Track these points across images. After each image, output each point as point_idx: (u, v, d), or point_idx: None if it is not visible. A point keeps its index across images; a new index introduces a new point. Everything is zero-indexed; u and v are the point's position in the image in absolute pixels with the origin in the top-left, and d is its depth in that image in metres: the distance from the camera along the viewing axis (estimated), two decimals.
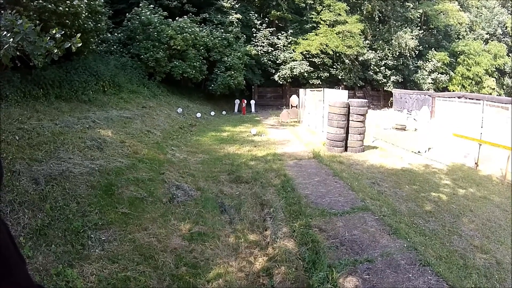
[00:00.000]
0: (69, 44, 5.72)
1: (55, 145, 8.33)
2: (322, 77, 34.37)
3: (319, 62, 33.91)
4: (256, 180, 9.74)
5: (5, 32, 5.00)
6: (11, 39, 4.95)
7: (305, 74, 33.31)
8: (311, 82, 33.38)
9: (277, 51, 34.04)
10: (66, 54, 11.61)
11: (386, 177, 10.74)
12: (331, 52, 33.73)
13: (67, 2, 11.76)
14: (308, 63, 33.46)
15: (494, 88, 39.36)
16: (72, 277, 4.61)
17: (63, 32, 5.88)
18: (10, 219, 5.37)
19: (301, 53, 33.40)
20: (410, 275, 5.33)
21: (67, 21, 11.87)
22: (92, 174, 7.57)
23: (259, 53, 32.84)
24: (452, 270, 5.69)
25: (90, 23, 14.17)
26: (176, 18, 26.14)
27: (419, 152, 14.82)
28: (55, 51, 5.56)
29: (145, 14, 24.28)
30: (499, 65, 39.84)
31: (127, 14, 25.11)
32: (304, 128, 20.83)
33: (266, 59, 33.38)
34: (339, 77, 35.26)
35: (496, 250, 6.75)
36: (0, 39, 4.96)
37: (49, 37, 5.55)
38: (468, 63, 38.84)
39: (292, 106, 25.55)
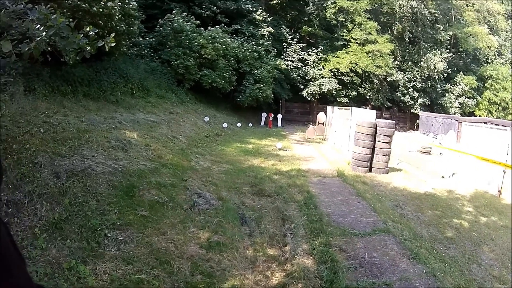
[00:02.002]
0: (103, 43, 5.73)
1: (80, 141, 8.38)
2: (350, 96, 34.26)
3: (348, 81, 33.84)
4: (279, 195, 9.64)
5: (38, 25, 5.02)
6: (44, 33, 4.97)
7: (333, 91, 33.27)
8: (338, 100, 33.30)
9: (306, 66, 34.09)
10: (97, 54, 11.71)
11: (409, 200, 10.58)
12: (360, 71, 33.69)
13: (101, 3, 11.89)
14: (336, 81, 33.44)
15: None
16: (84, 273, 4.59)
17: (97, 30, 5.89)
18: (27, 209, 5.38)
19: (331, 70, 33.42)
20: None
21: (100, 21, 11.99)
22: (114, 174, 7.58)
23: (289, 68, 32.95)
24: None
25: (122, 25, 14.31)
26: (208, 28, 26.35)
27: (443, 177, 14.62)
28: (88, 48, 5.57)
29: (178, 21, 24.53)
30: None
31: (159, 20, 25.39)
32: (329, 146, 20.71)
33: (296, 74, 33.45)
34: (367, 97, 35.15)
35: None
36: (32, 32, 4.99)
37: (82, 35, 5.58)
38: (496, 88, 38.29)
39: (319, 123, 25.43)
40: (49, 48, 5.96)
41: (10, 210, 5.19)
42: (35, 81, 10.65)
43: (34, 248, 4.77)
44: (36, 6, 5.34)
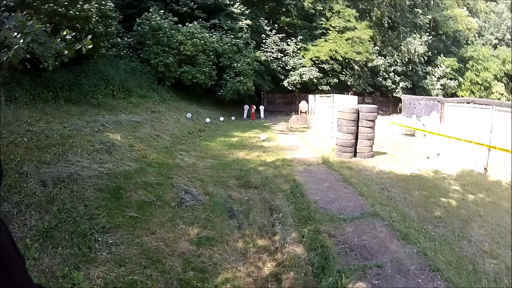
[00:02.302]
0: (80, 46, 5.72)
1: (64, 147, 8.35)
2: (331, 83, 34.35)
3: (329, 68, 33.91)
4: (265, 186, 9.68)
5: (15, 33, 5.00)
6: (22, 40, 4.95)
7: (314, 80, 33.33)
8: (320, 88, 33.35)
9: (286, 57, 34.11)
10: (76, 58, 11.62)
11: (395, 182, 10.66)
12: (340, 58, 33.74)
13: (78, 6, 11.80)
14: (317, 69, 33.50)
15: (503, 94, 39.05)
16: (78, 279, 4.59)
17: (73, 34, 5.88)
18: (16, 220, 5.37)
19: (311, 59, 33.46)
20: (420, 280, 5.26)
21: (78, 24, 11.91)
22: (100, 177, 7.57)
23: (269, 59, 32.94)
24: (462, 276, 5.61)
25: (100, 27, 14.22)
26: (186, 24, 26.27)
27: (428, 157, 14.73)
28: (66, 52, 5.56)
29: (155, 19, 24.40)
30: (507, 70, 39.37)
31: (137, 19, 25.23)
32: (313, 134, 20.76)
33: (276, 65, 33.45)
34: (348, 83, 35.21)
35: (506, 255, 6.65)
36: (10, 40, 4.97)
37: (59, 39, 5.56)
38: (477, 69, 38.64)
39: (301, 112, 25.49)
40: (27, 56, 5.94)
41: None
42: (16, 90, 10.58)
43: (27, 259, 4.76)
44: (13, 14, 5.31)
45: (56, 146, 8.21)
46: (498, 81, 39.26)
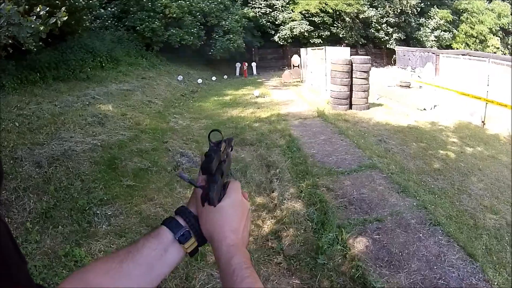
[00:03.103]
0: (55, 20, 5.57)
1: (56, 126, 8.29)
2: (323, 36, 33.88)
3: (319, 21, 33.40)
4: (261, 142, 9.67)
5: None
6: None
7: (305, 33, 32.87)
8: (312, 42, 32.86)
9: (275, 11, 33.56)
10: (59, 35, 11.45)
11: (392, 134, 10.66)
12: (330, 11, 33.21)
13: None
14: (308, 23, 32.99)
15: (498, 47, 38.74)
16: (80, 256, 4.59)
17: (47, 9, 5.71)
18: (16, 206, 5.36)
19: (300, 12, 32.90)
20: (421, 235, 5.28)
21: (57, 1, 11.59)
22: (94, 150, 7.52)
23: (257, 15, 32.42)
24: (463, 231, 5.63)
25: (81, 0, 13.86)
26: None
27: (424, 109, 14.69)
28: (42, 28, 5.42)
29: None
30: (503, 24, 39.01)
31: None
32: (307, 88, 20.67)
33: (265, 20, 32.95)
34: (340, 36, 34.73)
35: (506, 211, 6.67)
36: None
37: (34, 17, 5.42)
38: (472, 22, 38.24)
39: (294, 66, 25.36)
40: (9, 41, 5.81)
41: None
42: (2, 76, 10.46)
43: (29, 243, 4.76)
44: None
45: (48, 126, 8.17)
46: (493, 35, 38.98)
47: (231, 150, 1.23)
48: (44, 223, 5.19)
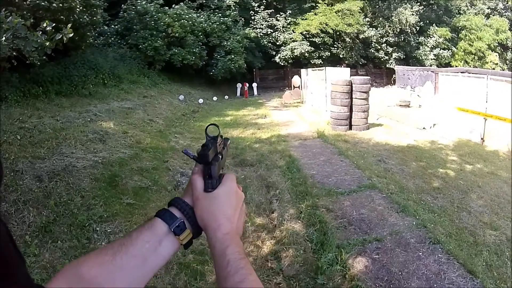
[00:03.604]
0: (61, 36, 5.64)
1: (57, 141, 8.29)
2: (324, 57, 34.12)
3: (320, 42, 33.66)
4: (261, 163, 9.65)
5: None
6: (3, 38, 4.88)
7: (306, 54, 33.13)
8: (312, 62, 33.06)
9: (276, 32, 33.89)
10: (63, 50, 11.54)
11: (392, 154, 10.67)
12: (331, 31, 33.44)
13: None
14: (308, 43, 33.28)
15: (497, 63, 39.02)
16: None
17: (54, 25, 5.78)
18: (15, 218, 5.34)
19: (301, 33, 33.23)
20: (420, 253, 5.26)
21: (62, 16, 11.71)
22: (95, 167, 7.52)
23: (259, 36, 32.72)
24: (463, 248, 5.60)
25: (85, 17, 14.02)
26: (173, 6, 26.04)
27: (424, 128, 14.72)
28: (47, 43, 5.49)
29: (141, 3, 24.26)
30: (501, 39, 39.27)
31: (122, 5, 25.04)
32: (307, 108, 20.73)
33: (266, 41, 33.26)
34: (341, 56, 34.97)
35: (506, 226, 6.65)
36: None
37: (40, 32, 5.48)
38: (470, 38, 38.47)
39: (294, 87, 25.47)
40: (14, 53, 5.87)
41: None
42: (5, 88, 10.48)
43: (28, 256, 4.75)
44: None
45: (49, 140, 8.16)
46: (492, 51, 39.22)
47: (226, 150, 1.30)
48: (43, 237, 5.17)
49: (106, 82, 16.51)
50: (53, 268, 4.60)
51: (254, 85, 30.92)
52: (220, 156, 1.16)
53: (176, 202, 1.06)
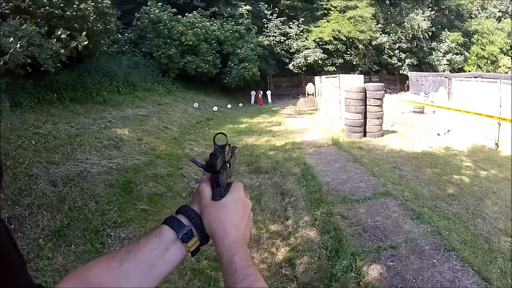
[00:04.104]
0: (75, 43, 5.69)
1: (72, 147, 8.35)
2: (337, 64, 34.11)
3: (333, 49, 33.68)
4: (276, 170, 9.62)
5: (11, 39, 4.98)
6: (18, 45, 4.93)
7: (319, 61, 33.13)
8: (326, 69, 33.07)
9: (289, 40, 33.95)
10: (77, 58, 11.65)
11: (406, 161, 10.60)
12: (344, 38, 33.50)
13: (74, 6, 11.75)
14: (321, 51, 33.28)
15: (510, 67, 38.50)
16: None
17: (68, 32, 5.85)
18: (29, 222, 5.38)
19: (314, 40, 33.28)
20: (435, 260, 5.20)
21: (76, 24, 11.85)
22: (110, 173, 7.57)
23: (272, 43, 32.81)
24: (477, 255, 5.52)
25: (99, 25, 14.19)
26: (186, 14, 26.23)
27: (438, 134, 14.63)
28: (62, 51, 5.54)
29: (154, 12, 24.43)
30: None
31: (136, 13, 25.33)
32: (321, 116, 20.68)
33: (279, 48, 33.31)
34: (354, 63, 34.96)
35: None
36: (6, 46, 4.95)
37: (55, 39, 5.54)
38: (482, 43, 38.19)
39: (308, 94, 25.44)
40: (28, 60, 5.93)
41: (12, 226, 5.19)
42: (20, 95, 10.59)
43: (41, 259, 4.78)
44: (8, 19, 5.29)
45: (64, 146, 8.22)
46: (504, 55, 38.85)
47: (234, 158, 1.31)
48: (57, 241, 5.21)
49: (120, 89, 16.63)
50: (66, 272, 4.61)
51: (268, 92, 31.04)
52: (228, 165, 1.18)
53: (184, 209, 1.08)
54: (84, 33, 6.03)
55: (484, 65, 38.02)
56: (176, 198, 7.42)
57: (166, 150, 10.52)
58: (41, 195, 6.05)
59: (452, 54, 37.38)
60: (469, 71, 34.82)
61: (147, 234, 1.01)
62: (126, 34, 24.42)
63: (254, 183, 8.77)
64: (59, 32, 5.62)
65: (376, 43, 35.46)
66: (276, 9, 34.30)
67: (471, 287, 4.64)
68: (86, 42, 5.97)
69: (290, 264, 5.29)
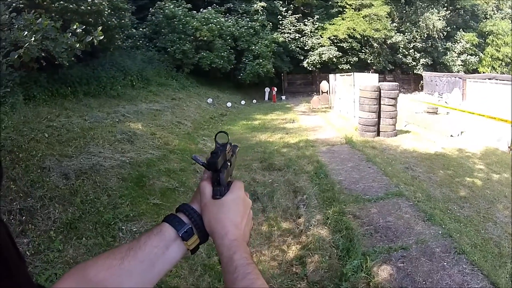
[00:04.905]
0: (91, 38, 5.72)
1: (85, 140, 8.41)
2: (351, 62, 33.88)
3: (347, 47, 33.49)
4: (289, 167, 9.60)
5: (25, 32, 5.01)
6: (32, 38, 4.96)
7: (334, 59, 32.93)
8: (340, 67, 32.90)
9: (304, 37, 33.75)
10: (92, 52, 11.71)
11: (419, 161, 10.54)
12: (358, 36, 33.27)
13: (89, 0, 11.84)
14: (336, 48, 33.08)
15: None
16: None
17: (84, 27, 5.88)
18: (40, 214, 5.42)
19: (329, 38, 33.04)
20: (445, 263, 5.18)
21: (90, 19, 11.93)
22: (123, 167, 7.61)
23: (287, 40, 32.64)
24: (487, 259, 5.47)
25: (113, 20, 14.28)
26: (201, 10, 26.30)
27: (451, 135, 14.55)
28: (77, 45, 5.58)
29: (169, 7, 24.54)
30: None
31: (150, 9, 25.42)
32: (335, 114, 20.64)
33: (294, 45, 33.13)
34: (368, 61, 34.72)
35: None
36: (21, 39, 4.99)
37: (70, 33, 5.58)
38: (497, 44, 37.63)
39: (322, 92, 25.31)
40: (42, 54, 5.96)
41: (23, 217, 5.23)
42: (34, 88, 10.68)
43: (52, 251, 4.82)
44: (22, 13, 5.33)
45: (77, 139, 8.28)
46: None
47: (235, 157, 1.30)
48: (68, 234, 5.25)
49: (134, 84, 16.73)
50: (76, 264, 4.64)
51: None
52: (229, 164, 1.18)
53: (184, 208, 1.09)
54: (99, 28, 6.05)
55: (499, 66, 37.54)
56: (188, 193, 7.44)
57: (179, 145, 10.55)
58: (53, 188, 6.09)
59: (466, 55, 36.91)
60: (483, 73, 34.50)
61: (148, 232, 1.02)
62: (141, 29, 24.41)
63: (266, 180, 8.77)
64: (75, 27, 5.65)
65: (391, 42, 35.18)
66: (291, 6, 34.16)
67: None
68: (101, 37, 6.00)
69: (301, 262, 5.29)
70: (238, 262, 0.93)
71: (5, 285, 0.72)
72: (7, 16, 5.26)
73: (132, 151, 8.71)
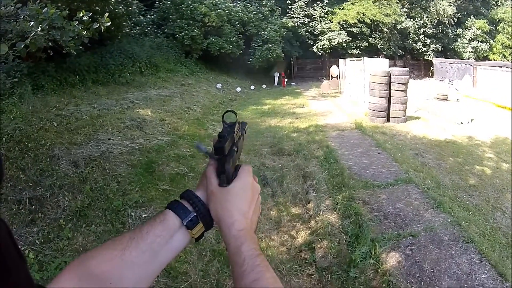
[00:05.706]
0: (98, 25, 5.72)
1: (94, 127, 8.44)
2: (361, 47, 33.60)
3: (357, 32, 33.24)
4: (299, 152, 9.60)
5: (32, 23, 5.01)
6: (39, 28, 4.96)
7: (343, 44, 32.74)
8: (350, 52, 32.65)
9: (314, 22, 33.53)
10: (99, 40, 11.68)
11: (429, 148, 10.49)
12: (368, 21, 33.01)
13: None
14: (346, 33, 32.88)
15: None
16: None
17: (90, 14, 5.87)
18: (50, 202, 5.47)
19: (338, 23, 32.81)
20: (453, 252, 5.17)
21: (97, 7, 11.82)
22: (132, 153, 7.64)
23: (296, 25, 32.47)
24: (495, 249, 5.46)
25: (120, 7, 14.22)
26: None
27: (461, 123, 14.45)
28: (84, 33, 5.57)
29: None
30: None
31: None
32: (345, 99, 20.48)
33: (303, 30, 32.95)
34: (378, 47, 34.45)
35: None
36: (27, 29, 4.99)
37: (77, 21, 5.57)
38: (509, 31, 37.01)
39: (332, 77, 25.17)
40: (50, 43, 5.96)
41: (33, 206, 5.29)
42: (42, 78, 10.70)
43: (61, 239, 4.86)
44: (27, 4, 5.32)
45: (86, 127, 8.32)
46: None
47: (244, 136, 1.26)
48: (77, 221, 5.30)
49: (143, 70, 16.70)
50: (86, 251, 4.68)
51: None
52: (236, 149, 1.13)
53: (187, 195, 1.06)
54: (106, 14, 6.04)
55: (510, 54, 36.98)
56: (197, 178, 7.36)
57: (189, 130, 10.56)
58: (62, 176, 6.13)
59: (477, 41, 36.40)
60: (494, 60, 34.15)
61: (151, 220, 0.99)
62: (149, 16, 24.33)
63: (276, 165, 8.77)
64: (81, 14, 5.65)
65: (401, 27, 34.82)
66: None
67: (487, 281, 4.60)
68: (109, 23, 5.98)
69: (310, 248, 5.31)
70: (247, 253, 0.91)
71: (5, 285, 0.72)
72: (13, 7, 5.26)
73: (141, 137, 8.74)
